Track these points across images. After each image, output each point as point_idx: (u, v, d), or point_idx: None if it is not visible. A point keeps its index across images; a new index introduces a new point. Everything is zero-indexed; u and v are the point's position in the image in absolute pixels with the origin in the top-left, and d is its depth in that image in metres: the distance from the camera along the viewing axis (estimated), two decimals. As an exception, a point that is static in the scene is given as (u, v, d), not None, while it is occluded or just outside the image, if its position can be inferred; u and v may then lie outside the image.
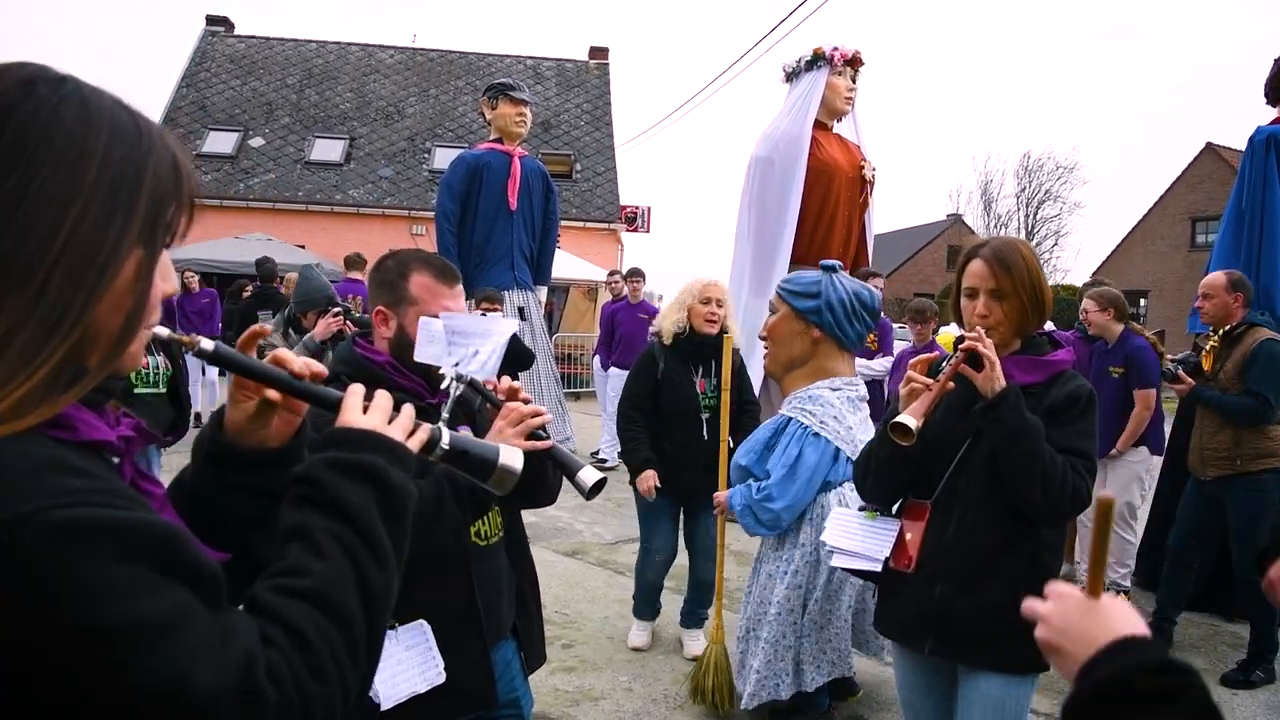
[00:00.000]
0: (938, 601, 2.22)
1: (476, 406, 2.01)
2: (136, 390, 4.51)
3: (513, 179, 6.21)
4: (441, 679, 1.82)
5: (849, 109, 6.88)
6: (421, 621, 1.84)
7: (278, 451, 1.09)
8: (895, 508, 2.44)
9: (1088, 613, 0.92)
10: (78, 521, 0.68)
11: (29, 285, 0.73)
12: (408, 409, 1.07)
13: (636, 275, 8.97)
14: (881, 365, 5.88)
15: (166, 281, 0.86)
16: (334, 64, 23.17)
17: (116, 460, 0.84)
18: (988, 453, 2.19)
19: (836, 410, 3.27)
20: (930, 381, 2.20)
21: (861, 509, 2.51)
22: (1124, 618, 0.91)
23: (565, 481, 1.81)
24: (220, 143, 20.35)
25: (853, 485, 2.77)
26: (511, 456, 1.18)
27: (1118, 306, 5.02)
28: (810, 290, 3.28)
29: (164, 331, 1.01)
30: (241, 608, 0.83)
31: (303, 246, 17.79)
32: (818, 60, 6.75)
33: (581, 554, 5.70)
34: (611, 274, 10.11)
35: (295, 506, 0.92)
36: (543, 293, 6.72)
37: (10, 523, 0.66)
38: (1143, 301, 32.61)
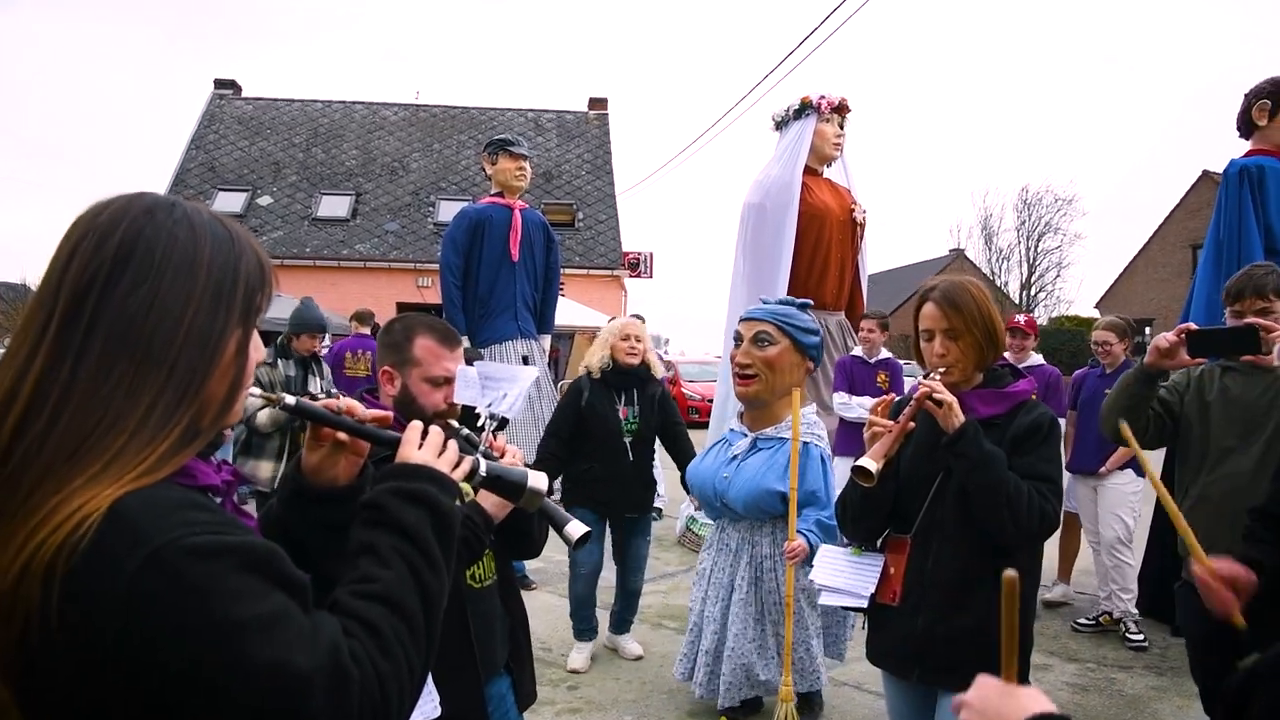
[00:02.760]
0: (921, 631, 2.31)
1: (495, 426, 2.20)
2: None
3: (514, 231, 6.38)
4: (437, 713, 1.93)
5: (838, 154, 7.05)
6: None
7: (346, 489, 1.33)
8: (880, 543, 2.52)
9: (1005, 696, 1.06)
10: (207, 545, 0.88)
11: (163, 366, 0.95)
12: (452, 445, 1.29)
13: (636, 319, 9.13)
14: (876, 403, 5.98)
15: (258, 351, 1.07)
16: (340, 122, 23.67)
17: (219, 499, 1.05)
18: (959, 486, 2.29)
19: (822, 431, 3.72)
20: (890, 424, 2.34)
21: (846, 545, 2.61)
22: (1035, 699, 1.06)
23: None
24: (229, 202, 20.74)
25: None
26: (538, 480, 1.42)
27: (1129, 334, 5.44)
28: (811, 328, 3.65)
29: (257, 392, 1.21)
30: (327, 609, 1.03)
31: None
32: (805, 109, 6.94)
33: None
34: (611, 320, 10.27)
35: (365, 527, 1.12)
36: (546, 341, 6.87)
37: (161, 547, 0.86)
38: (1147, 330, 32.67)
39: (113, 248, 0.96)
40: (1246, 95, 5.02)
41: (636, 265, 22.61)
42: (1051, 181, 53.04)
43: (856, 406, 6.04)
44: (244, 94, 24.29)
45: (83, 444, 0.90)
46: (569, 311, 14.98)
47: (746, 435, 3.72)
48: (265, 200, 21.26)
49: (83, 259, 0.96)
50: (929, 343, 2.39)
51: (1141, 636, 4.93)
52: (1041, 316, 35.82)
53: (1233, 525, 2.61)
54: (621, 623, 4.75)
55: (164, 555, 0.85)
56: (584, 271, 20.47)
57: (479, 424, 2.03)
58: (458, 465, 1.28)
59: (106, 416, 0.92)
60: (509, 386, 2.13)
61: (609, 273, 21.19)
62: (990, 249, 41.46)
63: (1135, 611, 5.05)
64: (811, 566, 3.56)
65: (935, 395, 2.26)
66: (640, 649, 4.66)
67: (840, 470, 3.84)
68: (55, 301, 0.95)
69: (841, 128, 7.04)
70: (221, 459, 1.13)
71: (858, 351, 6.40)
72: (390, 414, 1.35)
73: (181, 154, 22.12)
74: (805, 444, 3.61)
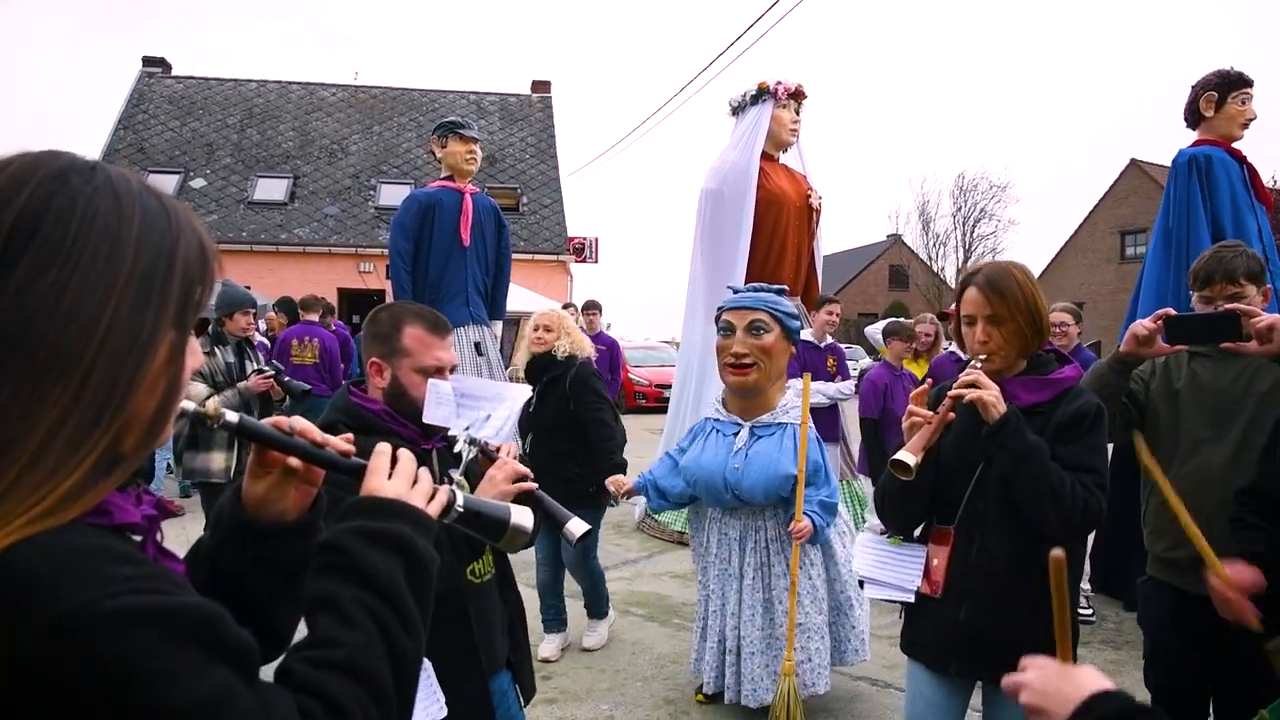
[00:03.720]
0: (964, 623, 2.25)
1: (472, 456, 2.09)
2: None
3: (465, 216, 6.27)
4: (443, 713, 1.88)
5: (794, 140, 7.10)
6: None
7: (295, 524, 1.10)
8: (919, 533, 2.46)
9: (1064, 677, 1.09)
10: (131, 609, 0.70)
11: (72, 377, 0.74)
12: (425, 474, 1.10)
13: (593, 307, 9.09)
14: (845, 389, 6.04)
15: (195, 357, 0.88)
16: (275, 103, 23.02)
17: (139, 539, 0.85)
18: (1001, 475, 2.22)
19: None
20: (930, 415, 2.24)
21: (883, 534, 2.54)
22: (1093, 677, 1.09)
23: None
24: (160, 185, 19.87)
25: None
26: (523, 516, 1.23)
27: (1081, 318, 5.62)
28: (794, 313, 3.67)
29: (189, 406, 0.99)
30: (273, 679, 0.85)
31: (249, 287, 17.56)
32: (762, 94, 6.96)
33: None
34: (566, 306, 10.20)
35: (323, 575, 0.93)
36: (498, 327, 6.78)
37: (70, 614, 0.67)
38: (1078, 314, 33.58)
39: (9, 220, 0.74)
40: (1194, 87, 5.14)
41: (582, 250, 22.49)
42: (987, 169, 54.35)
43: (817, 392, 6.08)
44: (174, 72, 23.47)
45: None
46: (514, 297, 14.75)
47: (742, 424, 3.68)
48: (199, 183, 20.61)
49: None
50: (971, 328, 2.30)
51: (1091, 612, 5.08)
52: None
53: (1208, 517, 2.55)
54: (592, 609, 4.67)
55: (74, 623, 0.67)
56: (529, 257, 20.27)
57: (455, 451, 1.88)
58: (433, 498, 1.08)
59: None
60: (492, 406, 1.95)
61: (554, 258, 21.03)
62: (928, 234, 42.29)
63: (1088, 588, 5.19)
64: (815, 546, 3.62)
65: (972, 395, 2.18)
66: (601, 639, 4.62)
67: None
68: None
69: (798, 113, 7.08)
70: (143, 487, 0.91)
71: (807, 336, 6.44)
72: (350, 445, 1.13)
73: (109, 134, 21.30)
74: (795, 427, 3.60)
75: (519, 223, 20.90)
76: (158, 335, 0.80)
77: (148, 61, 23.25)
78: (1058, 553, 1.09)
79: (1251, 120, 5.06)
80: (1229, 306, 2.52)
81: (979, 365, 2.25)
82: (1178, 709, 2.64)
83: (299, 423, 1.10)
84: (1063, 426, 2.22)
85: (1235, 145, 5.07)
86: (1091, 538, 5.21)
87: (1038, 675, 1.12)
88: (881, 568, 2.45)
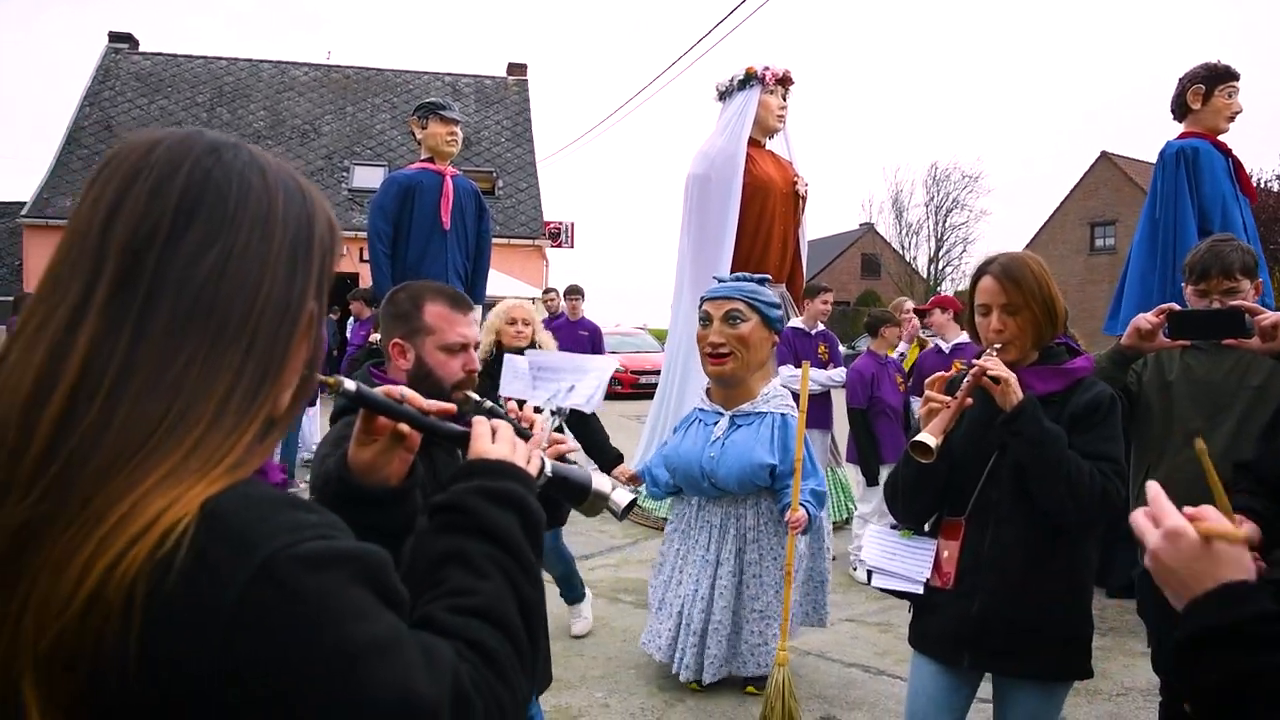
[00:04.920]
0: (976, 615, 2.23)
1: (556, 425, 2.05)
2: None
3: (445, 198, 6.19)
4: None
5: (781, 126, 7.07)
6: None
7: (399, 489, 1.16)
8: (929, 525, 2.44)
9: (1200, 556, 0.99)
10: (323, 551, 0.74)
11: (240, 342, 0.79)
12: (520, 440, 1.14)
13: (575, 292, 9.04)
14: (838, 375, 6.05)
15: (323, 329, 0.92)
16: (246, 81, 22.64)
17: None
18: (1015, 465, 2.22)
19: (793, 401, 3.75)
20: (948, 399, 2.21)
21: (894, 527, 2.52)
22: (1232, 565, 0.98)
23: None
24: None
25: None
26: (602, 483, 1.27)
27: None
28: (774, 301, 3.67)
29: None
30: (417, 625, 0.88)
31: (219, 269, 17.33)
32: (750, 79, 6.93)
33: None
34: (547, 291, 10.15)
35: (446, 532, 0.97)
36: (478, 311, 6.72)
37: (273, 555, 0.71)
38: (1048, 304, 33.99)
39: (175, 194, 0.78)
40: (1181, 80, 5.18)
41: (558, 235, 22.38)
42: (959, 159, 54.74)
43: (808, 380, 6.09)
44: (141, 49, 22.99)
45: (151, 435, 0.73)
46: (490, 281, 14.70)
47: (723, 414, 3.70)
48: (167, 162, 20.24)
49: (135, 207, 0.77)
50: (985, 318, 2.30)
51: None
52: (948, 290, 36.88)
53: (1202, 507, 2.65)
54: (569, 595, 4.62)
55: (276, 564, 0.71)
56: (504, 241, 20.13)
57: (539, 419, 1.91)
58: (528, 462, 1.13)
59: (178, 401, 0.75)
60: (575, 377, 1.95)
61: (530, 242, 20.92)
62: (900, 224, 42.54)
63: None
64: (806, 536, 3.65)
65: (991, 373, 2.17)
66: (588, 622, 4.60)
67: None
68: (99, 260, 0.76)
69: (785, 99, 7.06)
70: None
71: (797, 323, 6.45)
72: (454, 406, 1.20)
73: (74, 111, 20.86)
74: (784, 416, 3.64)
75: (494, 207, 20.72)
76: (305, 304, 0.85)
77: (114, 37, 22.76)
78: (1199, 443, 1.05)
79: (1238, 113, 5.10)
80: (1234, 303, 2.51)
81: (994, 354, 2.24)
82: None
83: (406, 391, 1.15)
84: (1077, 416, 2.23)
85: (1221, 138, 5.13)
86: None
87: (1170, 547, 1.01)
88: (891, 559, 2.44)
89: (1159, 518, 1.04)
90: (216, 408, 0.77)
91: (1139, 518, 1.07)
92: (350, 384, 1.10)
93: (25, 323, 0.77)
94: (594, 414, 4.38)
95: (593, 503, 1.27)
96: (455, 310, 2.03)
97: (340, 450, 1.19)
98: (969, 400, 2.22)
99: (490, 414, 1.86)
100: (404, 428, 1.14)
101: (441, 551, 0.96)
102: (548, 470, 1.20)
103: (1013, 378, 2.18)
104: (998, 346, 2.26)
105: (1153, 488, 1.10)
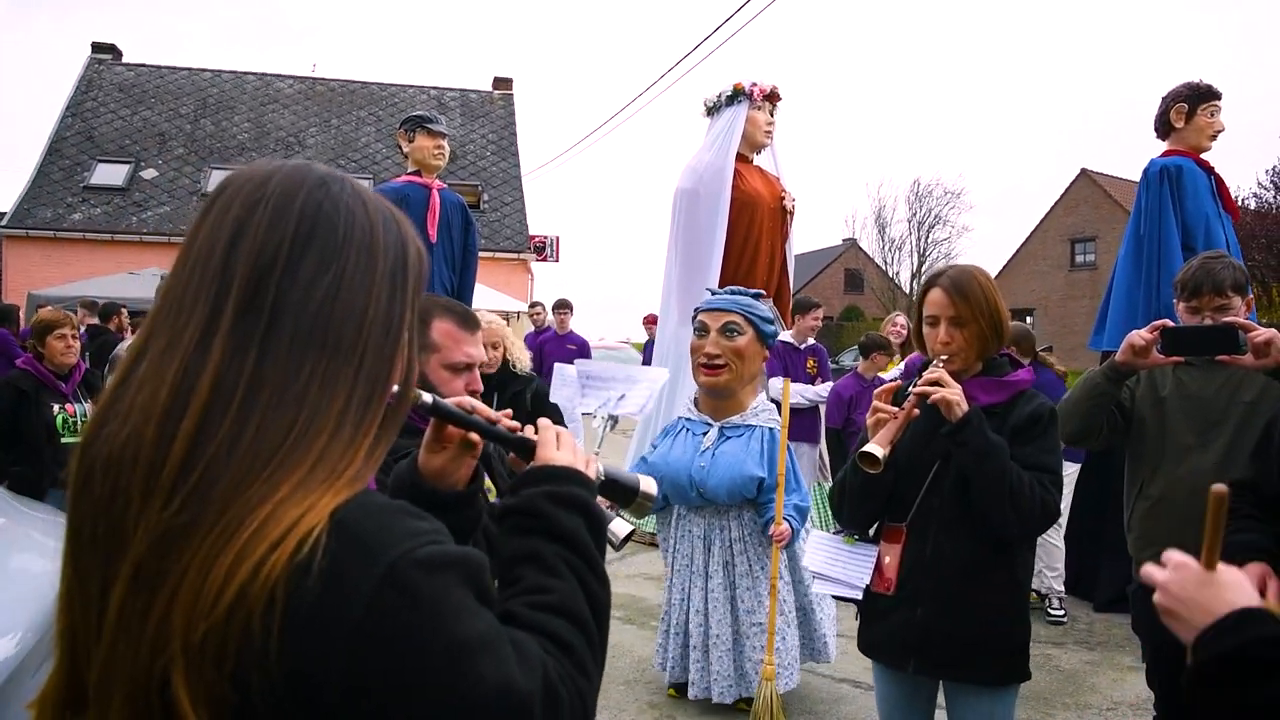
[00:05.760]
0: (919, 622, 2.28)
1: (497, 453, 2.02)
2: (64, 439, 4.33)
3: (432, 212, 6.17)
4: None
5: (769, 142, 7.10)
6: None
7: (466, 494, 1.27)
8: (872, 531, 2.49)
9: (1205, 585, 0.99)
10: (437, 556, 0.80)
11: (352, 361, 0.86)
12: (579, 445, 1.20)
13: (564, 306, 9.03)
14: (823, 391, 6.06)
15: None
16: (230, 93, 22.54)
17: None
18: (957, 474, 2.27)
19: (778, 415, 3.79)
20: (895, 410, 2.28)
21: (837, 533, 2.58)
22: (1239, 589, 0.99)
23: None
24: (110, 175, 19.52)
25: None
26: (649, 485, 1.32)
27: (1022, 345, 5.16)
28: (769, 317, 3.72)
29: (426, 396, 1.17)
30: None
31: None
32: (738, 95, 6.96)
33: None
34: (533, 305, 10.13)
35: (521, 534, 1.03)
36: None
37: (396, 561, 0.77)
38: (1029, 319, 34.30)
39: (293, 222, 0.86)
40: (1164, 98, 5.25)
41: (543, 249, 22.37)
42: (942, 175, 55.16)
43: (796, 394, 6.11)
44: (125, 59, 22.85)
45: (280, 447, 0.79)
46: (475, 295, 14.68)
47: (711, 425, 3.71)
48: (150, 173, 20.08)
49: (258, 233, 0.84)
50: (933, 329, 2.35)
51: (1063, 613, 5.16)
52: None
53: (1198, 525, 2.65)
54: None
55: (399, 569, 0.77)
56: (490, 254, 20.07)
57: (594, 424, 1.94)
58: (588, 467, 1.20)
59: (303, 415, 0.81)
60: (625, 386, 1.96)
61: (515, 255, 20.89)
62: (883, 239, 42.78)
63: (1061, 589, 5.26)
64: (789, 549, 3.66)
65: (937, 390, 2.22)
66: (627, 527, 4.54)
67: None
68: (224, 283, 0.83)
69: (772, 115, 7.09)
70: None
71: (786, 337, 6.46)
72: (511, 415, 1.28)
73: (56, 121, 20.68)
74: (772, 430, 3.66)
75: (479, 220, 20.70)
76: (404, 324, 0.92)
77: (97, 48, 22.60)
78: (1219, 488, 1.02)
79: (1220, 132, 5.18)
80: (1227, 320, 2.53)
81: (940, 365, 2.31)
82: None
83: (474, 402, 1.26)
84: (1019, 428, 2.30)
85: (1203, 156, 5.19)
86: (1062, 542, 5.33)
87: (1176, 578, 1.02)
88: (833, 564, 2.50)
89: (1166, 560, 1.06)
90: (336, 420, 0.83)
91: (1149, 568, 1.08)
92: (428, 397, 1.18)
93: (145, 342, 0.83)
94: (555, 404, 4.30)
95: (640, 504, 1.32)
96: (463, 329, 2.00)
97: (411, 457, 1.28)
98: (915, 412, 2.28)
99: (607, 417, 1.90)
100: (473, 436, 1.24)
101: (516, 552, 1.01)
102: (600, 473, 1.25)
103: (959, 390, 2.23)
104: (944, 358, 2.31)
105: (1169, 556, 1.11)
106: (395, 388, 0.93)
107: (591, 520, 1.07)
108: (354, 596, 0.75)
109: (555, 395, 1.96)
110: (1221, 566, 1.02)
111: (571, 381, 1.93)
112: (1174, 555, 1.04)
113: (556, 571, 0.99)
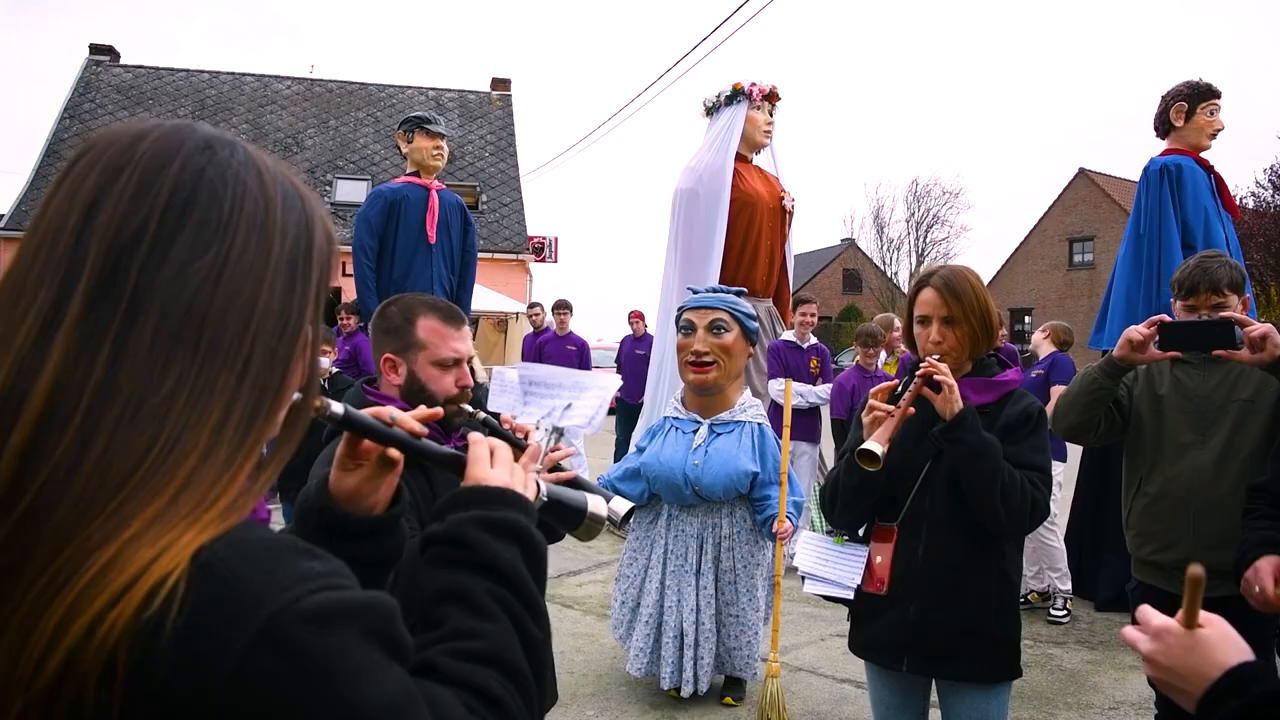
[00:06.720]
0: (912, 621, 2.29)
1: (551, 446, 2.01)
2: None
3: (431, 212, 6.18)
4: None
5: (768, 142, 7.10)
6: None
7: (385, 518, 1.06)
8: (862, 531, 2.49)
9: (1191, 650, 0.96)
10: (331, 606, 0.66)
11: (234, 364, 0.69)
12: (517, 463, 1.05)
13: (563, 307, 9.02)
14: (823, 392, 6.06)
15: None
16: (228, 95, 22.54)
17: None
18: (949, 472, 2.28)
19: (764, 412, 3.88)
20: (892, 408, 2.28)
21: (829, 533, 2.58)
22: (1225, 644, 0.96)
23: None
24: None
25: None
26: (598, 505, 1.18)
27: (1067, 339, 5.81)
28: (752, 313, 3.78)
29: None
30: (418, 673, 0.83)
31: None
32: (737, 95, 6.96)
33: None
34: (533, 306, 10.12)
35: (445, 567, 0.89)
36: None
37: (277, 614, 0.63)
38: (1027, 319, 34.32)
39: (165, 192, 0.68)
40: (1164, 97, 5.24)
41: (541, 250, 22.36)
42: (940, 175, 55.14)
43: (797, 394, 6.11)
44: (122, 61, 22.85)
45: (134, 471, 0.63)
46: (474, 295, 14.67)
47: (701, 422, 3.73)
48: (148, 175, 20.09)
49: (117, 205, 0.67)
50: (925, 328, 2.37)
51: (1065, 613, 5.15)
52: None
53: (1195, 521, 2.64)
54: None
55: (279, 625, 0.62)
56: (488, 255, 20.08)
57: (535, 435, 1.85)
58: (526, 487, 1.04)
59: (165, 432, 0.64)
60: (573, 395, 1.89)
61: (514, 256, 20.89)
62: (882, 239, 42.80)
63: (1067, 589, 5.24)
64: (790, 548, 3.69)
65: (936, 378, 2.23)
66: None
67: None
68: (74, 265, 0.66)
69: (771, 115, 7.10)
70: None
71: (789, 336, 6.45)
72: (440, 411, 1.14)
73: (53, 123, 20.68)
74: (760, 425, 3.72)
75: (478, 221, 20.67)
76: (303, 322, 0.75)
77: (95, 49, 22.60)
78: (1195, 570, 0.97)
79: (1219, 131, 5.17)
80: (1224, 314, 2.55)
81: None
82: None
83: (396, 413, 1.07)
84: (1009, 426, 2.32)
85: (1203, 155, 5.19)
86: (1061, 542, 5.32)
87: (1161, 649, 0.98)
88: (824, 565, 2.50)
89: (1144, 621, 1.02)
90: (209, 439, 0.67)
91: (1129, 633, 1.05)
92: (338, 406, 1.00)
93: None
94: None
95: (588, 527, 1.17)
96: (448, 325, 2.00)
97: (320, 477, 1.08)
98: (912, 409, 2.28)
99: (486, 426, 1.84)
100: (393, 452, 1.03)
101: (440, 589, 0.87)
102: (543, 494, 1.12)
103: (954, 384, 2.24)
104: (935, 357, 2.32)
105: (1142, 612, 1.06)
106: (296, 395, 0.78)
107: (529, 550, 0.92)
108: (218, 663, 0.60)
109: (493, 403, 1.86)
110: (1203, 619, 0.97)
111: (512, 387, 1.82)
112: (1152, 620, 1.00)
113: (486, 612, 0.85)
